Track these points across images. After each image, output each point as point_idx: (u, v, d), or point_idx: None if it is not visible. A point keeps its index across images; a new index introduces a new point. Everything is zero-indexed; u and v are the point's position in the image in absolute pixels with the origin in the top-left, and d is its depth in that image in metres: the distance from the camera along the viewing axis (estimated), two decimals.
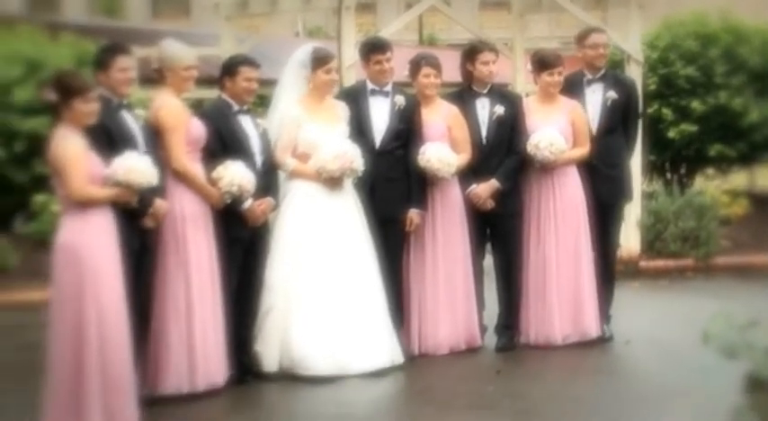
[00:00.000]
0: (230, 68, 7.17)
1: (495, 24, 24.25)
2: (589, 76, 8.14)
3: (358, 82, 8.33)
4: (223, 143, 6.97)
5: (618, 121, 8.15)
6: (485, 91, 7.92)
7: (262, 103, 8.41)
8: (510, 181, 7.84)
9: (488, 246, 8.10)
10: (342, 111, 7.55)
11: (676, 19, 14.36)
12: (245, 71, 7.12)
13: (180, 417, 6.43)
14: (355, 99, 7.68)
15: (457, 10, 19.47)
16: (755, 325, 2.28)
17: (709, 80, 13.49)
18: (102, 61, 6.58)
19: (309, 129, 7.36)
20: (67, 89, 6.12)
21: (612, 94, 8.08)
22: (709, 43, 13.64)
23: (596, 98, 8.09)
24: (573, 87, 8.06)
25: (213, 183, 6.79)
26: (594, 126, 8.05)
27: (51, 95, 6.18)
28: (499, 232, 7.98)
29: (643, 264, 11.25)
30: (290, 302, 7.19)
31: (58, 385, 6.03)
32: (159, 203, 6.50)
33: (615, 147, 8.15)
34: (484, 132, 7.85)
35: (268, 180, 7.14)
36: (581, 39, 8.19)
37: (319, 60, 7.44)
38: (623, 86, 8.30)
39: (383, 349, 7.33)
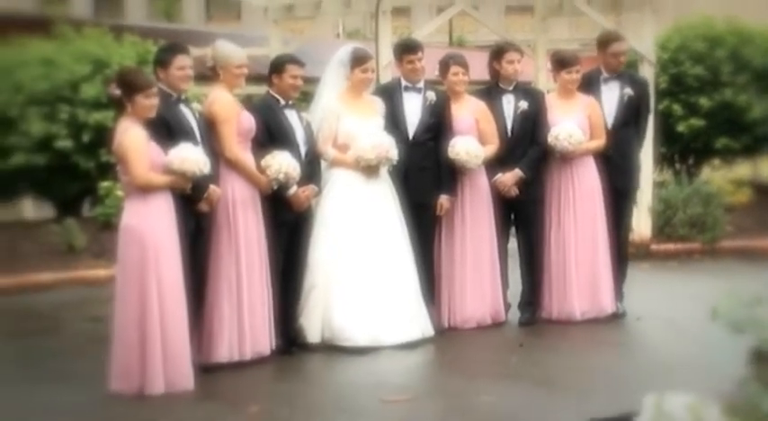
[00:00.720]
0: (278, 67, 7.18)
1: (519, 27, 24.09)
2: (606, 75, 8.07)
3: (393, 79, 8.31)
4: (271, 135, 6.98)
5: (632, 117, 8.09)
6: (510, 88, 7.90)
7: (305, 99, 8.40)
8: (532, 170, 7.81)
9: (513, 230, 8.09)
10: (378, 105, 7.53)
11: (686, 22, 14.24)
12: (292, 69, 7.12)
13: (230, 383, 6.46)
14: (390, 95, 7.67)
15: (484, 14, 19.31)
16: (761, 302, 2.26)
17: (716, 78, 13.38)
18: (163, 60, 6.60)
19: (348, 122, 7.36)
20: (130, 85, 6.15)
21: (629, 91, 8.02)
22: (716, 45, 13.53)
23: (613, 95, 8.02)
24: (591, 84, 8.01)
25: (262, 170, 6.80)
26: (610, 120, 8.00)
27: (116, 91, 6.21)
28: (522, 217, 7.97)
29: (654, 247, 11.16)
30: (330, 280, 7.20)
31: (122, 353, 6.09)
32: (213, 189, 6.52)
33: (628, 140, 8.10)
34: (509, 125, 7.83)
35: (311, 169, 7.15)
36: (603, 45, 8.03)
37: (357, 60, 7.43)
38: (637, 85, 8.22)
39: (415, 323, 7.33)
